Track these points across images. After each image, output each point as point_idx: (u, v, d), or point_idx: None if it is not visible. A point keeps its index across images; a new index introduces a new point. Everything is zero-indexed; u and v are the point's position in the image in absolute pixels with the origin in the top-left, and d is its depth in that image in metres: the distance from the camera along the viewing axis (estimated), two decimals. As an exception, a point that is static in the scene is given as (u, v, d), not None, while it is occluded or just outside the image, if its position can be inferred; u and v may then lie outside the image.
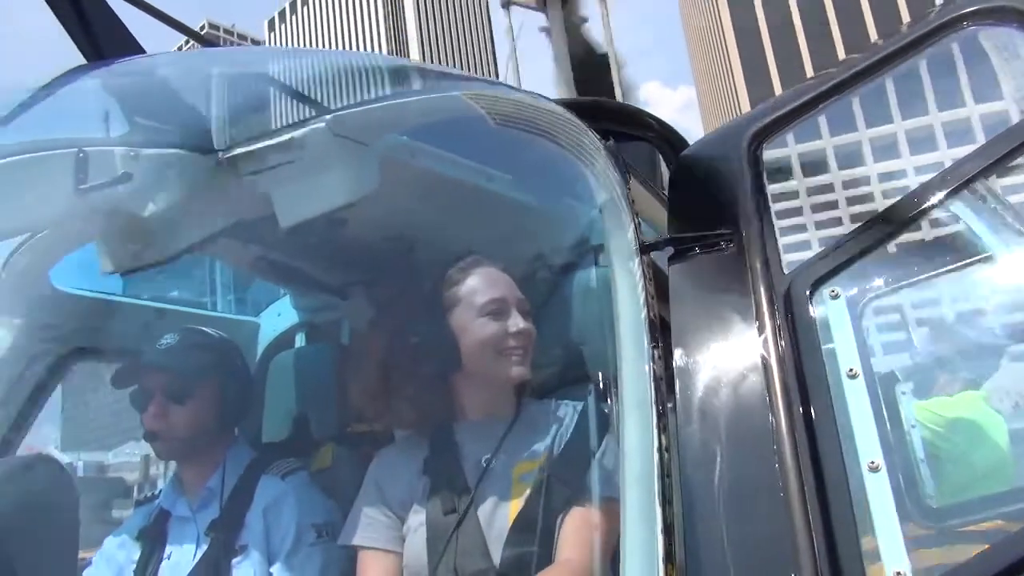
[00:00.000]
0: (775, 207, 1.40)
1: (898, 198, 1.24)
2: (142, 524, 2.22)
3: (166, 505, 2.22)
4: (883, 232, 1.21)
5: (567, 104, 1.94)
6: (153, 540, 2.17)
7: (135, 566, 2.15)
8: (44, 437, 2.48)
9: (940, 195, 1.20)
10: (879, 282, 2.72)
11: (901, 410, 2.72)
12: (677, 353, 1.25)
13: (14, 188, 1.51)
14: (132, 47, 1.63)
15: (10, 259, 2.20)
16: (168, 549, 2.14)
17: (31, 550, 0.99)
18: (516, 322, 1.82)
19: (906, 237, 1.33)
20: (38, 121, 1.58)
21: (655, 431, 1.13)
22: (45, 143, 1.55)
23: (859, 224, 1.25)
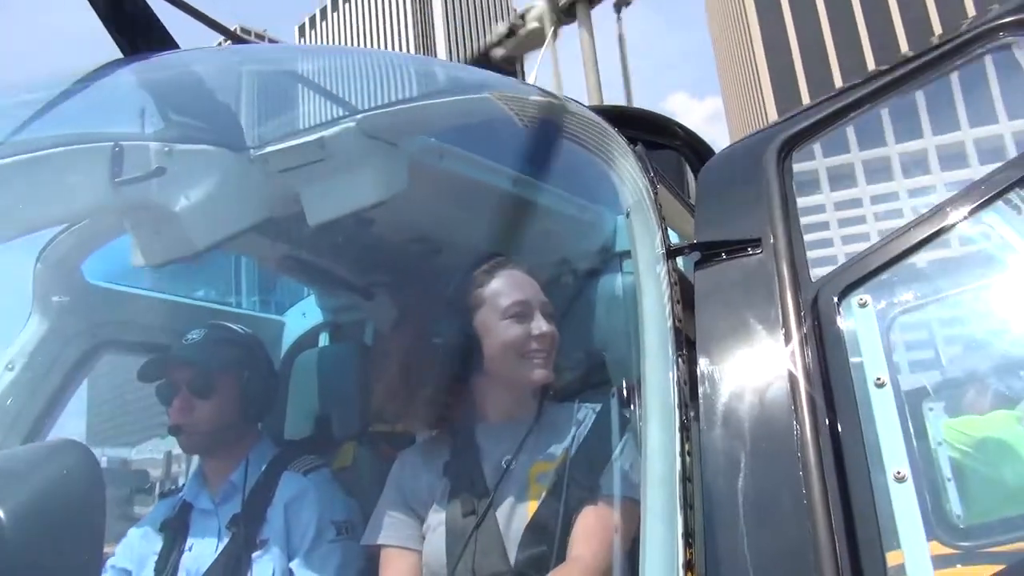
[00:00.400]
0: (804, 220, 1.39)
1: (930, 208, 1.23)
2: (165, 516, 2.25)
3: (189, 498, 2.25)
4: (913, 241, 1.20)
5: (594, 111, 1.95)
6: (175, 532, 2.20)
7: (157, 557, 2.18)
8: (71, 428, 2.52)
9: (973, 205, 1.18)
10: (909, 295, 2.69)
11: (928, 427, 2.69)
12: (701, 359, 1.24)
13: (52, 179, 1.55)
14: (167, 43, 1.67)
15: (45, 251, 2.25)
16: (190, 541, 2.17)
17: (55, 533, 1.00)
18: (540, 325, 1.82)
19: (938, 249, 1.31)
20: (76, 113, 1.61)
21: (677, 435, 1.13)
22: (82, 136, 1.59)
23: (889, 233, 1.24)
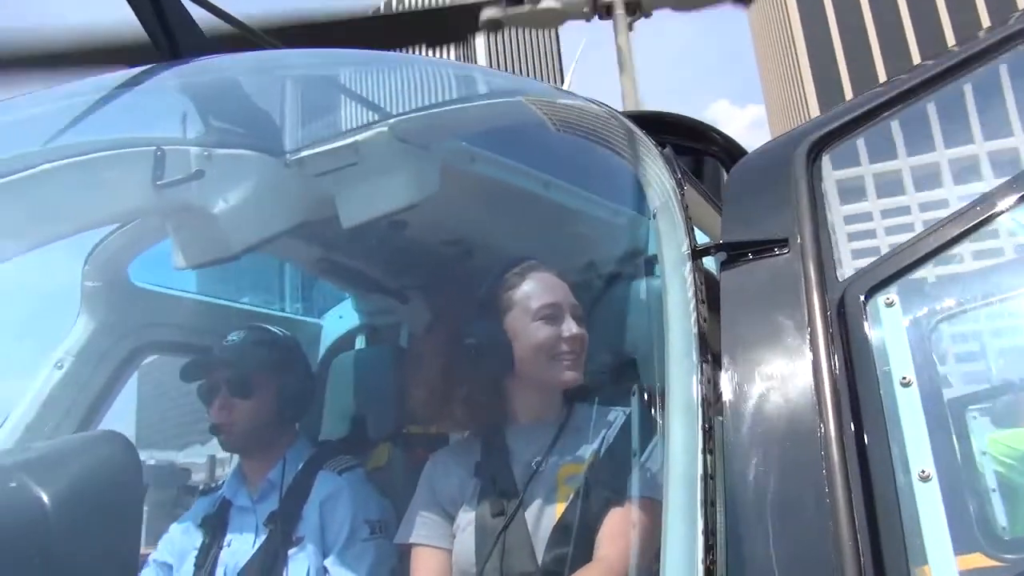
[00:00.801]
0: (849, 229, 1.38)
1: (960, 206, 1.21)
2: (205, 512, 2.31)
3: (228, 495, 2.30)
4: (941, 240, 1.19)
5: (631, 116, 1.95)
6: (214, 528, 2.25)
7: (197, 552, 2.23)
8: (117, 425, 2.60)
9: (1007, 202, 1.17)
10: (951, 302, 2.63)
11: (972, 438, 2.62)
12: (726, 358, 1.24)
13: (98, 181, 1.61)
14: (206, 48, 1.72)
15: (92, 253, 2.33)
16: (228, 537, 2.22)
17: (95, 516, 1.05)
18: (570, 327, 1.83)
19: (978, 243, 1.30)
20: (120, 115, 1.68)
21: (700, 433, 1.13)
22: (126, 140, 1.65)
23: (917, 232, 1.22)
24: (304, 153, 1.87)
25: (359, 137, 1.81)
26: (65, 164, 1.50)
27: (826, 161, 1.52)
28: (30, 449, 1.47)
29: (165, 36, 1.59)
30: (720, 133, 3.57)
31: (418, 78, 1.93)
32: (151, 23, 1.57)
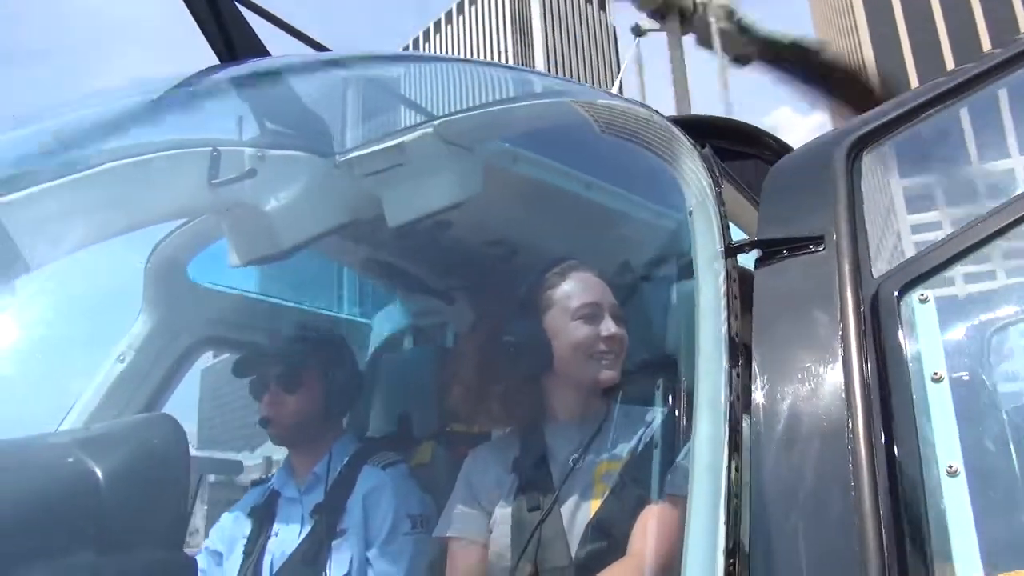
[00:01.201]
0: (915, 238, 1.36)
1: (995, 204, 1.19)
2: (255, 503, 2.39)
3: (277, 486, 2.38)
4: (977, 237, 1.17)
5: (681, 120, 1.96)
6: (263, 518, 2.33)
7: (246, 540, 2.31)
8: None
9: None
10: (1009, 310, 2.55)
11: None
12: (757, 353, 1.24)
13: (157, 180, 1.69)
14: (259, 51, 1.80)
15: (154, 252, 2.44)
16: (276, 527, 2.29)
17: (145, 491, 1.11)
18: (609, 327, 1.84)
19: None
20: (177, 115, 1.76)
21: (725, 426, 1.14)
22: (182, 141, 1.73)
23: (952, 231, 1.21)
24: (353, 154, 1.93)
25: (405, 138, 1.86)
26: (125, 163, 1.58)
27: (867, 160, 1.51)
28: (87, 429, 1.56)
29: (222, 38, 1.68)
30: (772, 137, 3.54)
31: (464, 80, 1.97)
32: (208, 25, 1.66)
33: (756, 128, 3.64)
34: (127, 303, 2.49)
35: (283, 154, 1.87)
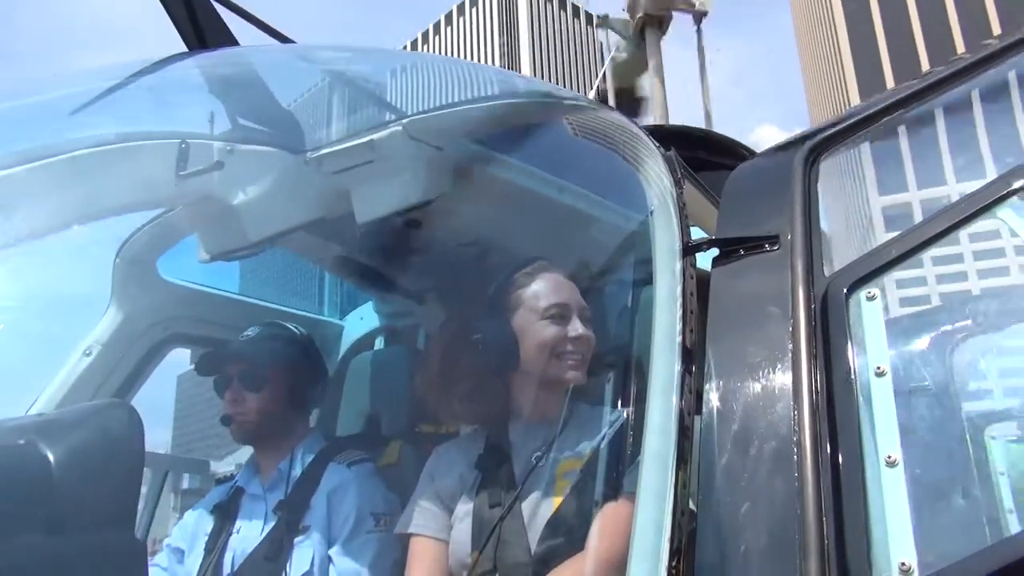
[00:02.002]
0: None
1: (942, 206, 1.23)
2: (219, 499, 2.38)
3: (241, 483, 2.37)
4: (926, 236, 1.20)
5: (658, 129, 1.99)
6: (225, 514, 2.31)
7: (208, 537, 2.30)
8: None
9: (986, 200, 1.18)
10: (970, 322, 2.60)
11: (989, 456, 2.58)
12: (710, 348, 1.27)
13: (123, 170, 1.69)
14: (229, 40, 1.80)
15: (124, 246, 2.43)
16: (238, 524, 2.28)
17: (97, 476, 1.11)
18: (576, 327, 1.86)
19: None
20: (142, 103, 1.76)
21: (676, 419, 1.16)
22: (150, 133, 1.74)
23: (900, 232, 1.24)
24: (323, 151, 1.94)
25: (375, 136, 1.87)
26: (90, 152, 1.58)
27: (824, 164, 1.55)
28: (41, 415, 1.55)
29: (195, 32, 1.68)
30: (747, 148, 3.59)
31: (435, 77, 1.99)
32: (181, 19, 1.66)
33: (732, 140, 3.69)
34: (95, 298, 2.48)
35: (252, 149, 1.87)
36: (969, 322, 2.58)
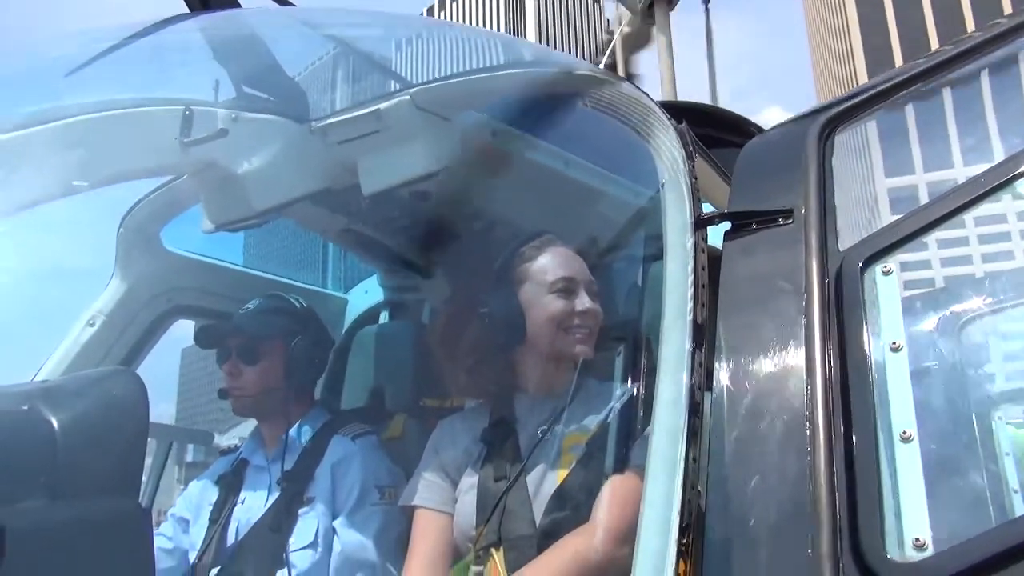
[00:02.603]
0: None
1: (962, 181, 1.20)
2: (223, 470, 2.38)
3: (246, 455, 2.37)
4: (944, 211, 1.18)
5: (668, 105, 1.95)
6: (230, 485, 2.32)
7: (212, 507, 2.30)
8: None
9: (1008, 174, 1.16)
10: (987, 299, 2.59)
11: (995, 436, 2.57)
12: (722, 323, 1.25)
13: (125, 136, 1.67)
14: (230, 3, 1.77)
15: (127, 216, 2.41)
16: (243, 495, 2.28)
17: (100, 444, 1.10)
18: (583, 301, 1.84)
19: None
20: (145, 65, 1.73)
21: (686, 393, 1.14)
22: (154, 99, 1.71)
23: (919, 205, 1.22)
24: (328, 120, 1.91)
25: (381, 105, 1.85)
26: (91, 118, 1.55)
27: (839, 138, 1.52)
28: (44, 382, 1.54)
29: (200, -1, 1.65)
30: (755, 126, 3.54)
31: (443, 45, 1.95)
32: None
33: (741, 117, 3.65)
34: (99, 269, 2.47)
35: (257, 117, 1.85)
36: (977, 303, 2.57)
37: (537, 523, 1.67)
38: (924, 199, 1.30)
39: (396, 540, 2.09)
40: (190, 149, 1.72)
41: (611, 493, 1.59)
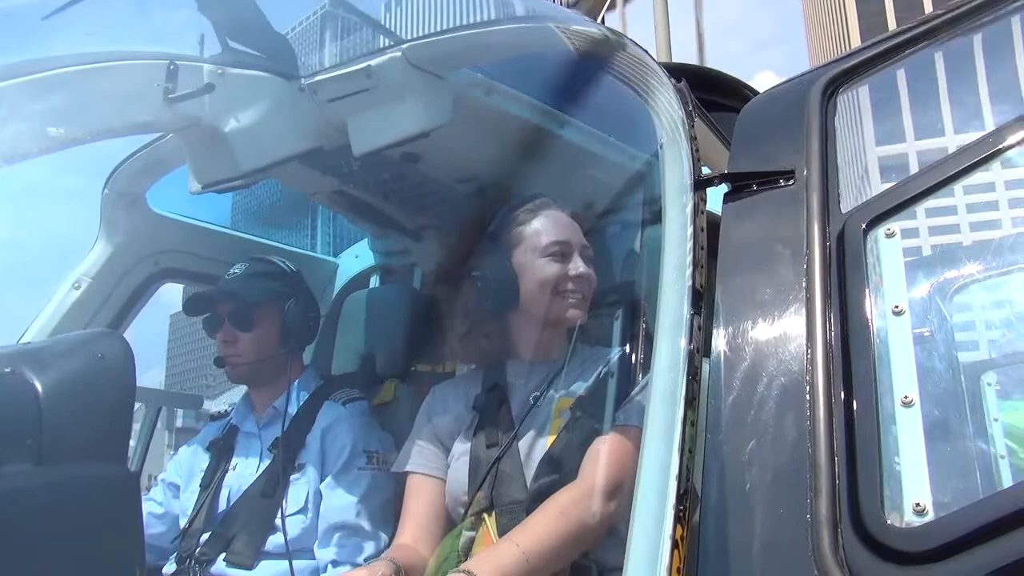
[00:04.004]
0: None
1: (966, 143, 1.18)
2: (214, 436, 2.36)
3: (236, 421, 2.35)
4: (947, 173, 1.15)
5: (666, 67, 1.90)
6: (221, 452, 2.30)
7: (203, 473, 2.29)
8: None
9: (1017, 135, 1.13)
10: (975, 268, 2.59)
11: (985, 402, 2.60)
12: (721, 285, 1.23)
13: (109, 90, 1.61)
14: None
15: (111, 177, 2.35)
16: (234, 461, 2.27)
17: (86, 408, 1.07)
18: (577, 266, 1.81)
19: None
20: (125, 14, 1.68)
21: (684, 356, 1.12)
22: (134, 53, 1.65)
23: (922, 168, 1.19)
24: (318, 77, 1.86)
25: (372, 62, 1.79)
26: (73, 71, 1.50)
27: (842, 98, 1.49)
28: (28, 343, 1.51)
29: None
30: (752, 90, 3.49)
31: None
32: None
33: (738, 80, 3.59)
34: (84, 230, 2.42)
35: (244, 73, 1.79)
36: (968, 270, 2.57)
37: (528, 487, 1.66)
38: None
39: (381, 505, 2.09)
40: (175, 105, 1.66)
41: (597, 451, 1.58)
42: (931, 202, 1.24)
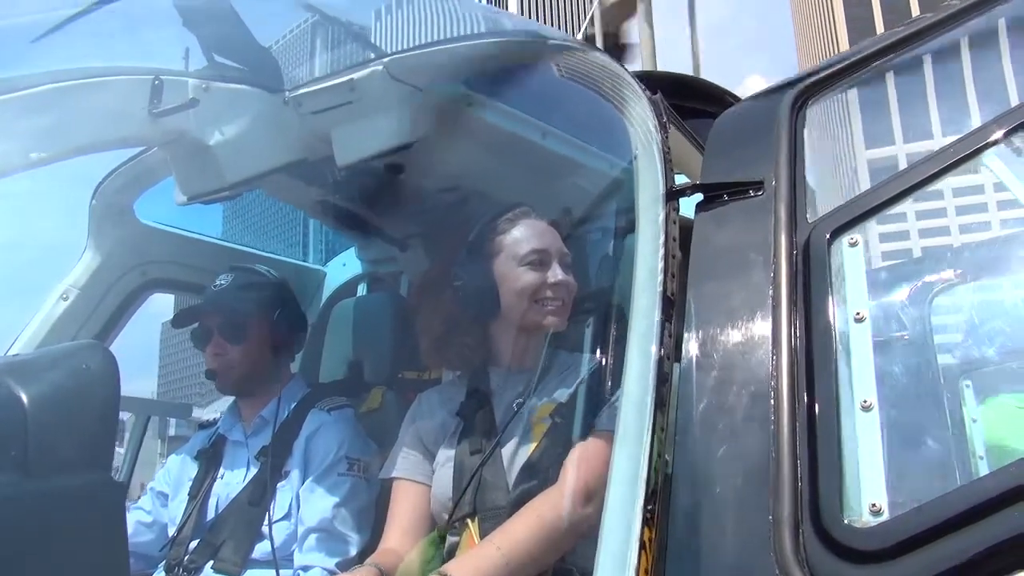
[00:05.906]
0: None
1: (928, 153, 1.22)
2: (202, 446, 2.38)
3: (224, 430, 2.37)
4: (908, 183, 1.19)
5: (647, 75, 1.94)
6: (209, 460, 2.32)
7: (192, 482, 2.31)
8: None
9: (973, 146, 1.17)
10: (950, 274, 2.63)
11: (963, 403, 2.64)
12: (691, 293, 1.26)
13: (94, 105, 1.64)
14: None
15: (99, 188, 2.37)
16: (222, 470, 2.29)
17: (71, 419, 1.09)
18: (556, 273, 1.84)
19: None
20: (113, 32, 1.70)
21: (654, 364, 1.15)
22: (121, 68, 1.68)
23: (886, 177, 1.23)
24: (302, 90, 1.89)
25: (355, 75, 1.82)
26: (58, 87, 1.52)
27: (812, 110, 1.52)
28: (13, 356, 1.53)
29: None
30: (734, 96, 3.53)
31: (418, 13, 1.93)
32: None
33: (719, 88, 3.63)
34: (71, 241, 2.43)
35: (228, 87, 1.82)
36: (948, 274, 2.62)
37: (511, 494, 1.69)
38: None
39: (359, 512, 2.11)
40: (161, 120, 1.69)
41: (574, 456, 1.61)
42: (923, 204, 1.28)
